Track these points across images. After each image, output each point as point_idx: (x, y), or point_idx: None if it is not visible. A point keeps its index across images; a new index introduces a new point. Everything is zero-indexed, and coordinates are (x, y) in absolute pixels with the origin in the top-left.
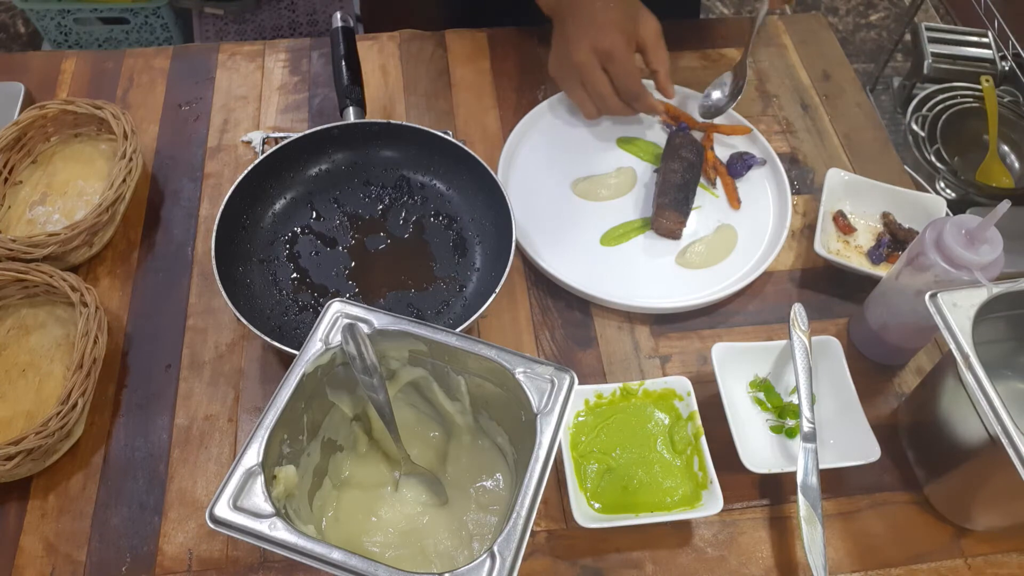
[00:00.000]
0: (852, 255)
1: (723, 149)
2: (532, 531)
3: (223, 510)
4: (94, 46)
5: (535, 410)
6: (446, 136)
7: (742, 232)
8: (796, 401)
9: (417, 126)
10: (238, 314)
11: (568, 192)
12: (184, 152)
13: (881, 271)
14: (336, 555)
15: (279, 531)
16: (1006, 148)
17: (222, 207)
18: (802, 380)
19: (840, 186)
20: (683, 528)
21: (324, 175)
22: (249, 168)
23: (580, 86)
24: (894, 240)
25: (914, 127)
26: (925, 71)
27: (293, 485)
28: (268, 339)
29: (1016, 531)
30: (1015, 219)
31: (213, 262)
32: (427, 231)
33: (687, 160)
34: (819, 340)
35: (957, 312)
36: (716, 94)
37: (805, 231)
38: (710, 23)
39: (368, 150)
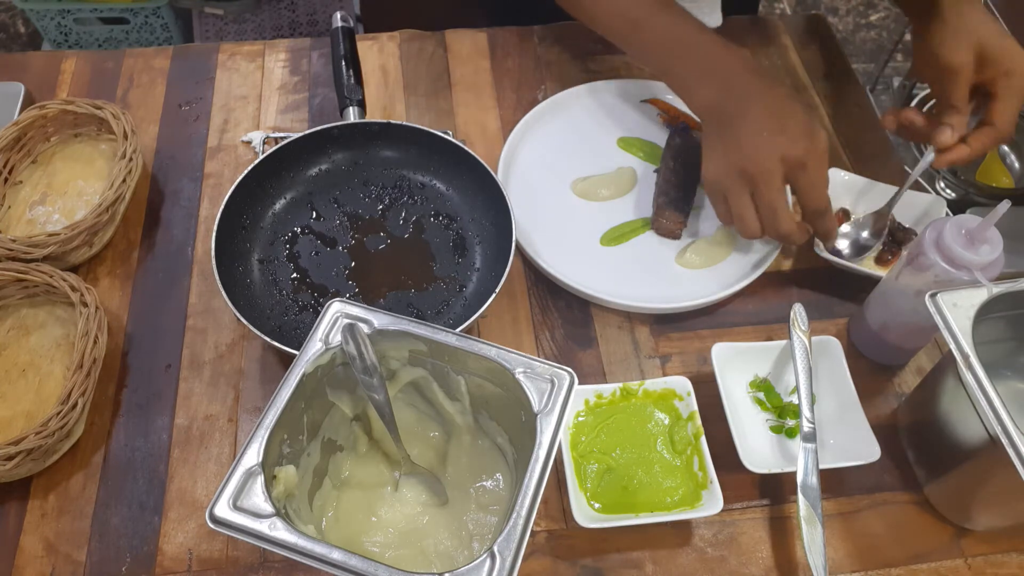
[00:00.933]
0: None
1: None
2: (532, 531)
3: (223, 510)
4: (94, 46)
5: (535, 410)
6: (446, 136)
7: None
8: (796, 401)
9: (417, 126)
10: (238, 314)
11: (568, 192)
12: (184, 152)
13: (881, 271)
14: (336, 555)
15: (279, 531)
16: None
17: (222, 207)
18: (802, 380)
19: (840, 186)
20: (683, 528)
21: (324, 175)
22: (249, 168)
23: (748, 197)
24: (892, 240)
25: None
26: None
27: (293, 485)
28: (268, 339)
29: (1016, 531)
30: (1015, 219)
31: (213, 262)
32: (427, 231)
33: (687, 160)
34: (819, 340)
35: (957, 312)
36: (866, 235)
37: None
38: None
39: (368, 150)
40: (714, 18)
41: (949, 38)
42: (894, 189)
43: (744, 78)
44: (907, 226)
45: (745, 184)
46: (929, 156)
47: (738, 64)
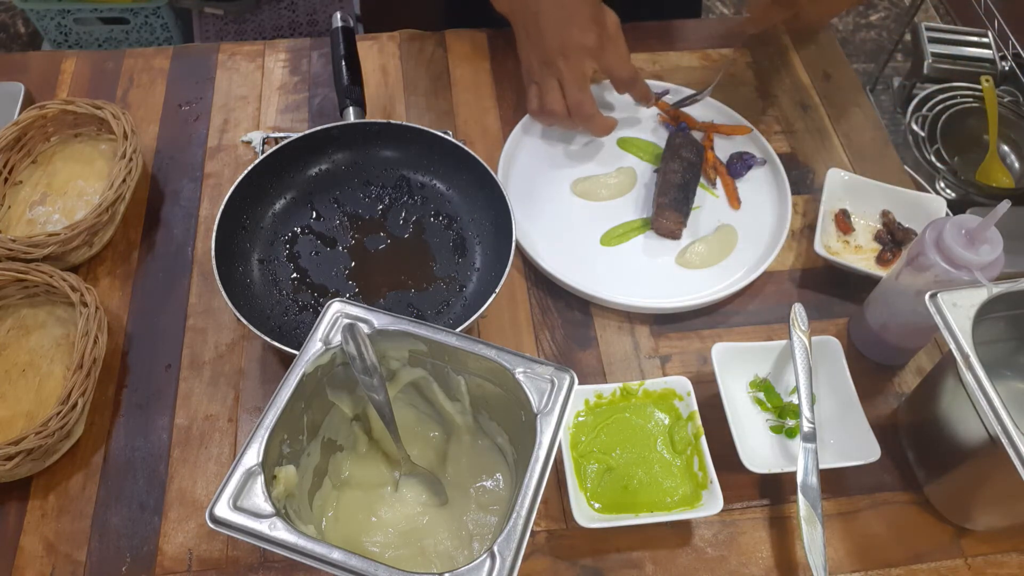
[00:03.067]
0: (852, 255)
1: (723, 149)
2: (532, 531)
3: (223, 510)
4: (94, 46)
5: (535, 410)
6: (446, 136)
7: (742, 232)
8: (796, 401)
9: (417, 126)
10: (238, 314)
11: (568, 192)
12: (184, 152)
13: (881, 271)
14: (336, 555)
15: (279, 531)
16: (1006, 148)
17: (222, 207)
18: (802, 380)
19: (840, 186)
20: (683, 528)
21: (324, 175)
22: (249, 168)
23: (557, 84)
24: (892, 239)
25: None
26: (925, 71)
27: (293, 485)
28: (268, 339)
29: (1016, 531)
30: (1015, 219)
31: (213, 262)
32: (427, 231)
33: (687, 160)
34: (819, 340)
35: (957, 312)
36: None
37: (805, 231)
38: (710, 23)
39: (368, 150)
40: None
41: None
42: (894, 189)
43: None
44: (906, 225)
45: (551, 73)
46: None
47: None
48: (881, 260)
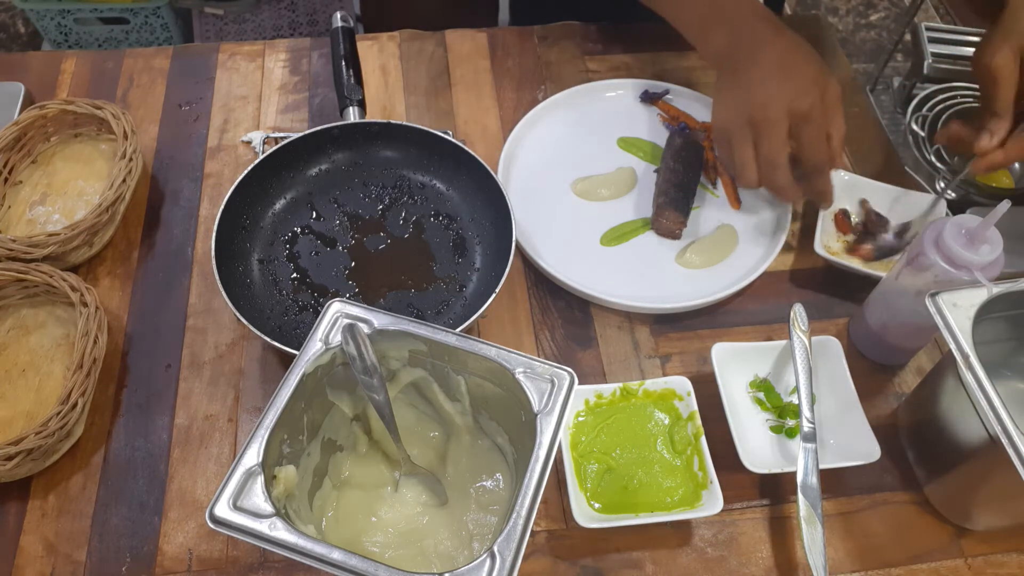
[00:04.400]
0: (852, 255)
1: None
2: (532, 531)
3: (223, 510)
4: (94, 46)
5: (535, 410)
6: (446, 136)
7: (742, 232)
8: (796, 401)
9: (417, 126)
10: (238, 314)
11: (568, 192)
12: (184, 152)
13: (881, 271)
14: (336, 555)
15: (279, 531)
16: None
17: (222, 207)
18: (802, 380)
19: (840, 186)
20: (683, 528)
21: (324, 175)
22: (249, 168)
23: (751, 146)
24: (864, 230)
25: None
26: (925, 71)
27: (293, 485)
28: (268, 339)
29: (1016, 531)
30: (1015, 219)
31: (213, 262)
32: (427, 231)
33: (687, 160)
34: (819, 340)
35: (957, 312)
36: (889, 237)
37: (805, 231)
38: None
39: (368, 150)
40: None
41: (996, 39)
42: (894, 189)
43: (754, 25)
44: (882, 214)
45: (749, 132)
46: (967, 169)
47: (748, 10)
48: (853, 251)
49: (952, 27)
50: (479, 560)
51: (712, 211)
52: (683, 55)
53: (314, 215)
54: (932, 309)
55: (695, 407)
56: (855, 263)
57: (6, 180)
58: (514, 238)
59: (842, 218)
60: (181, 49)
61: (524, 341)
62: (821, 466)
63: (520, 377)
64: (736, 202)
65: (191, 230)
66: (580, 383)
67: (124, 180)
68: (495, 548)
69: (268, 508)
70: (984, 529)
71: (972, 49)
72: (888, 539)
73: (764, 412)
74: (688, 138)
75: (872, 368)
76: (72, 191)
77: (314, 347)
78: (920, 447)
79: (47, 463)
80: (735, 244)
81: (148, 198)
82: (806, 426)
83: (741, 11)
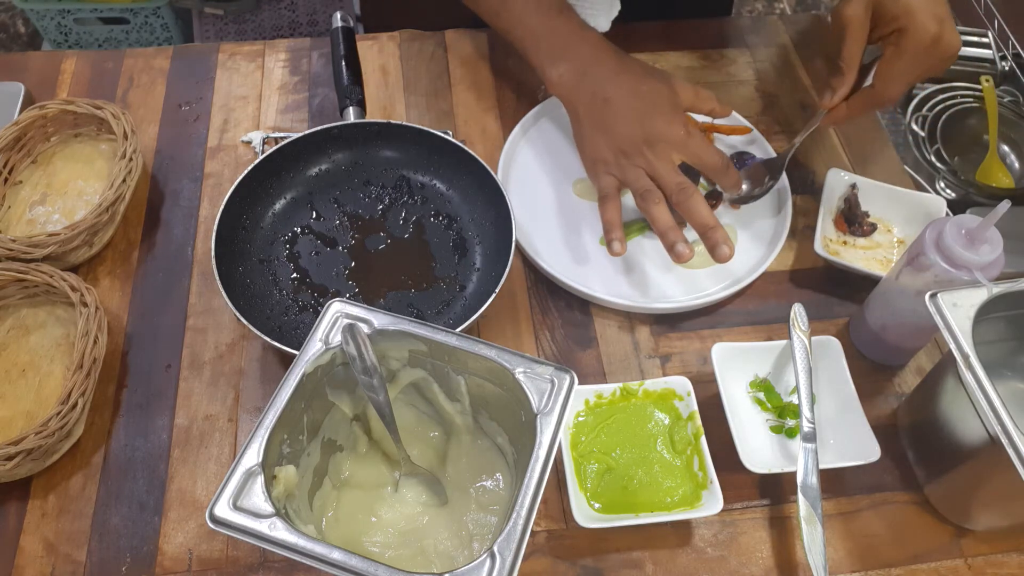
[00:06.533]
0: (852, 255)
1: (723, 149)
2: (532, 531)
3: (223, 510)
4: (94, 46)
5: (535, 410)
6: (446, 136)
7: (742, 232)
8: (796, 401)
9: (417, 126)
10: (238, 314)
11: (568, 192)
12: (184, 152)
13: (881, 271)
14: (336, 555)
15: (279, 531)
16: (1006, 148)
17: (222, 207)
18: (802, 380)
19: (840, 186)
20: (683, 528)
21: (324, 175)
22: (249, 168)
23: (643, 173)
24: (848, 214)
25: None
26: None
27: (293, 485)
28: (268, 339)
29: (1016, 531)
30: (1015, 219)
31: (213, 262)
32: (427, 231)
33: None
34: (819, 340)
35: (957, 312)
36: (746, 185)
37: (805, 231)
38: (708, 24)
39: (368, 150)
40: (601, 23)
41: None
42: (894, 189)
43: (599, 61)
44: (864, 209)
45: (634, 164)
46: (818, 118)
47: (588, 47)
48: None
49: None
50: (479, 560)
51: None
52: (683, 55)
53: (314, 215)
54: (932, 309)
55: (695, 407)
56: (855, 263)
57: (6, 180)
58: (514, 238)
59: (842, 218)
60: (181, 49)
61: (524, 341)
62: (821, 466)
63: (520, 377)
64: (736, 202)
65: (191, 230)
66: (580, 383)
67: (124, 180)
68: (495, 548)
69: (268, 508)
70: (984, 529)
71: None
72: (888, 539)
73: (764, 412)
74: None
75: (872, 368)
76: (72, 191)
77: (314, 347)
78: (920, 447)
79: (47, 463)
80: (735, 244)
81: (148, 198)
82: (806, 426)
83: (583, 48)
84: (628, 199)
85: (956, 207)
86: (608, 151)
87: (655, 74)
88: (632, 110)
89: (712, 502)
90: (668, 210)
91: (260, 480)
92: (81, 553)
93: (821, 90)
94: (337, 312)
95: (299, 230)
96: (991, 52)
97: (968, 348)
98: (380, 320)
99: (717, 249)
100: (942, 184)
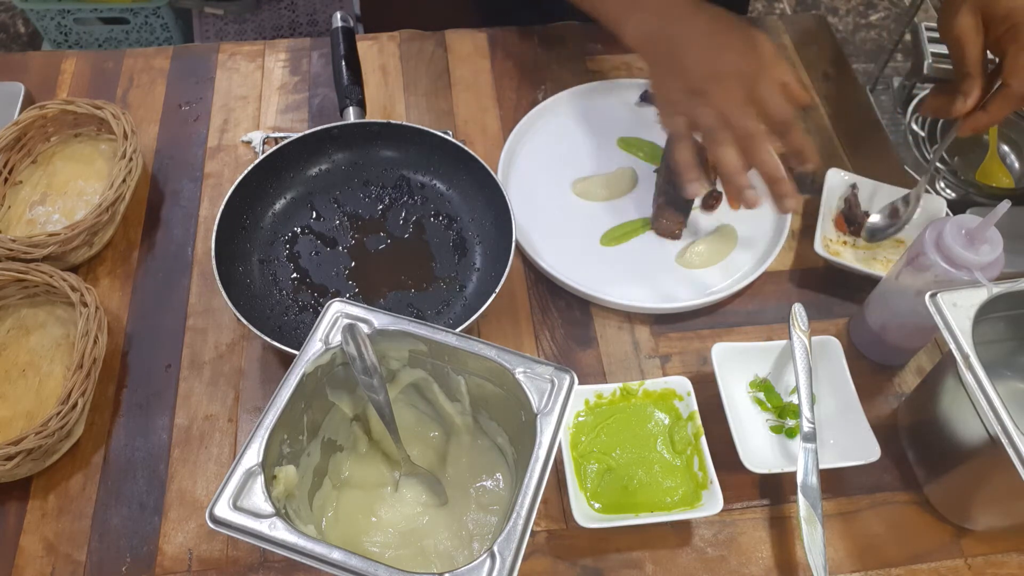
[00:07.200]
0: (852, 255)
1: None
2: (532, 531)
3: (223, 510)
4: (94, 46)
5: (535, 410)
6: (446, 136)
7: (742, 232)
8: (796, 401)
9: (417, 126)
10: (238, 314)
11: (568, 192)
12: (184, 152)
13: (881, 271)
14: (336, 555)
15: (279, 531)
16: (1006, 148)
17: (222, 207)
18: (802, 380)
19: (840, 186)
20: (683, 528)
21: (324, 175)
22: (249, 168)
23: (712, 112)
24: (848, 214)
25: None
26: (925, 71)
27: (293, 485)
28: (268, 339)
29: (1016, 531)
30: (1015, 219)
31: (213, 262)
32: (427, 231)
33: None
34: (819, 340)
35: (957, 312)
36: (877, 218)
37: (805, 231)
38: None
39: (368, 150)
40: None
41: (953, 2)
42: (894, 189)
43: (673, 4)
44: (864, 210)
45: (701, 102)
46: (952, 134)
47: None
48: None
49: None
50: (479, 560)
51: (712, 211)
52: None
53: (314, 215)
54: (932, 309)
55: (695, 407)
56: (855, 263)
57: (6, 180)
58: (514, 238)
59: (842, 218)
60: (181, 49)
61: (524, 341)
62: (821, 466)
63: (520, 377)
64: (736, 202)
65: (191, 230)
66: (580, 383)
67: (124, 180)
68: (495, 548)
69: (268, 508)
70: (984, 529)
71: None
72: (888, 539)
73: (764, 412)
74: None
75: (872, 368)
76: (72, 191)
77: (314, 347)
78: (920, 447)
79: (47, 463)
80: (735, 244)
81: (148, 198)
82: (806, 426)
83: None
84: (626, 199)
85: (956, 207)
86: (678, 91)
87: (734, 18)
88: (703, 48)
89: (712, 502)
90: (736, 153)
91: (260, 480)
92: (81, 553)
93: (947, 101)
94: (337, 312)
95: (299, 230)
96: (990, 52)
97: (968, 348)
98: (380, 320)
99: (783, 200)
100: (942, 184)
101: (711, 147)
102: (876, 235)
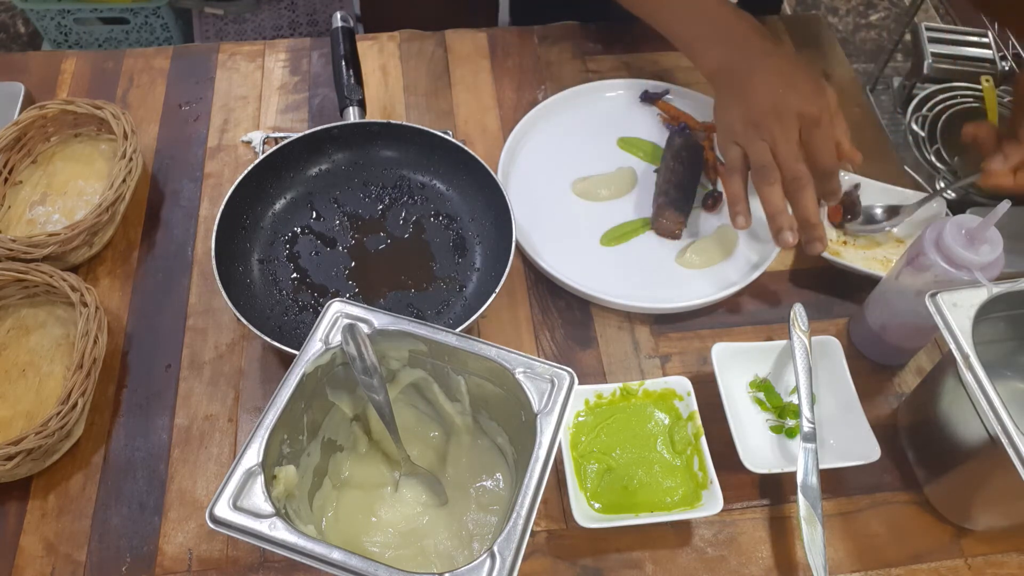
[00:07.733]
0: (852, 255)
1: None
2: (532, 531)
3: (223, 510)
4: (94, 46)
5: (535, 410)
6: (446, 136)
7: (742, 232)
8: (796, 401)
9: (417, 126)
10: (238, 314)
11: (568, 192)
12: (184, 152)
13: (881, 271)
14: (336, 555)
15: (279, 531)
16: None
17: (222, 207)
18: (802, 380)
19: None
20: (683, 528)
21: (324, 175)
22: (249, 168)
23: (767, 146)
24: (846, 210)
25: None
26: (925, 71)
27: (293, 485)
28: (268, 339)
29: (1016, 531)
30: (1015, 219)
31: (213, 262)
32: (427, 231)
33: (687, 160)
34: (819, 340)
35: (957, 312)
36: (878, 211)
37: None
38: None
39: (368, 150)
40: None
41: None
42: (894, 189)
43: (752, 40)
44: (865, 203)
45: (758, 135)
46: (975, 176)
47: (745, 26)
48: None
49: (952, 27)
50: (479, 560)
51: (711, 211)
52: (683, 55)
53: (314, 215)
54: (932, 309)
55: (695, 407)
56: (855, 263)
57: (6, 180)
58: (514, 238)
59: (839, 209)
60: (181, 49)
61: (524, 341)
62: (821, 466)
63: (520, 377)
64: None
65: (191, 230)
66: (580, 383)
67: (124, 180)
68: (495, 548)
69: (268, 508)
70: (984, 529)
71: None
72: (888, 539)
73: (764, 412)
74: (688, 138)
75: (872, 368)
76: (72, 191)
77: (314, 347)
78: (920, 447)
79: (47, 463)
80: (735, 244)
81: (148, 198)
82: (806, 426)
83: (739, 28)
84: (626, 199)
85: (956, 207)
86: (739, 121)
87: (805, 64)
88: (771, 85)
89: (712, 502)
90: (781, 194)
91: (260, 480)
92: (81, 553)
93: (986, 146)
94: (337, 312)
95: (299, 230)
96: (991, 52)
97: (968, 348)
98: (380, 320)
99: (813, 244)
100: (942, 184)
101: (759, 184)
102: (871, 220)
